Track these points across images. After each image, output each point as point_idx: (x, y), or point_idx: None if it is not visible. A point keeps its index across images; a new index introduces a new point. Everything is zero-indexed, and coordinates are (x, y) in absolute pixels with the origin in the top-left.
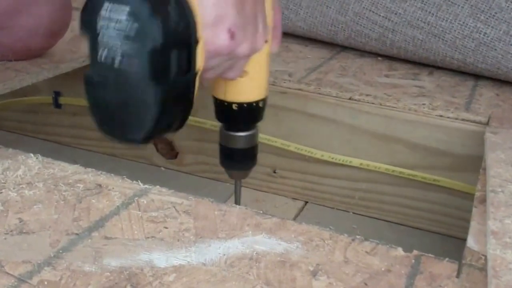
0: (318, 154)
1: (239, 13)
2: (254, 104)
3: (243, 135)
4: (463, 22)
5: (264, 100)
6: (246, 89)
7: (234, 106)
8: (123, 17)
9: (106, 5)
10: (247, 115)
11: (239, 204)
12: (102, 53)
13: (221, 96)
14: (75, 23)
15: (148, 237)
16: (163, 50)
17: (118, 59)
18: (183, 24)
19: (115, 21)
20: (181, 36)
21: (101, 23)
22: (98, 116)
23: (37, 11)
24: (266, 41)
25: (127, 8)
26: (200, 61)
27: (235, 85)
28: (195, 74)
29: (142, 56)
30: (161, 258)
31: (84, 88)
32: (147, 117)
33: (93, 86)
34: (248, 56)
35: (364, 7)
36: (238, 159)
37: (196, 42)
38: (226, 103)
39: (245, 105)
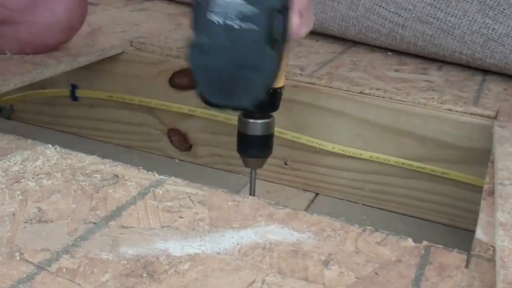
0: (329, 146)
1: None
2: (278, 90)
3: (260, 122)
4: (472, 18)
5: (283, 88)
6: None
7: None
8: None
9: None
10: (269, 100)
11: (253, 195)
12: (217, 19)
13: None
14: (90, 18)
15: (163, 227)
16: (279, 13)
17: (236, 23)
18: None
19: None
20: (289, 1)
21: None
22: (204, 83)
23: (54, 6)
24: None
25: None
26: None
27: None
28: (288, 40)
29: (262, 18)
30: (177, 247)
31: (188, 55)
32: (260, 80)
33: (201, 51)
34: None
35: (374, 3)
36: (254, 146)
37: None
38: None
39: (270, 90)
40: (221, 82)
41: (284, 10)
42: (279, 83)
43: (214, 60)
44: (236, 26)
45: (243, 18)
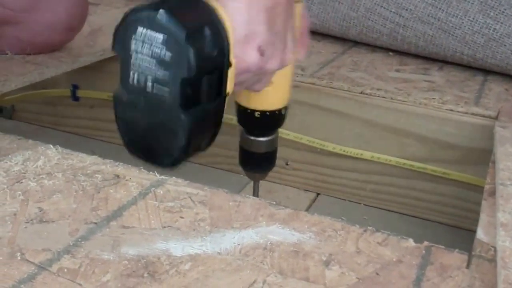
0: (330, 146)
1: (270, 30)
2: (277, 112)
3: (263, 140)
4: (473, 18)
5: (286, 108)
6: (269, 98)
7: (257, 114)
8: (158, 44)
9: (140, 30)
10: (269, 122)
11: None
12: (134, 76)
13: (244, 103)
14: (91, 18)
15: (164, 227)
16: (196, 78)
17: (149, 84)
18: (218, 50)
19: (149, 46)
20: (214, 63)
21: (134, 46)
22: (126, 136)
23: (55, 6)
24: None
25: (161, 36)
26: (230, 84)
27: (259, 94)
28: (224, 98)
29: (174, 84)
30: (177, 247)
31: (113, 107)
32: (175, 144)
33: (122, 106)
34: (276, 71)
35: (375, 3)
36: (257, 162)
37: (229, 66)
38: (249, 110)
39: (267, 113)
40: (139, 138)
41: (212, 72)
42: (279, 104)
43: (131, 116)
44: (149, 89)
45: (156, 81)
